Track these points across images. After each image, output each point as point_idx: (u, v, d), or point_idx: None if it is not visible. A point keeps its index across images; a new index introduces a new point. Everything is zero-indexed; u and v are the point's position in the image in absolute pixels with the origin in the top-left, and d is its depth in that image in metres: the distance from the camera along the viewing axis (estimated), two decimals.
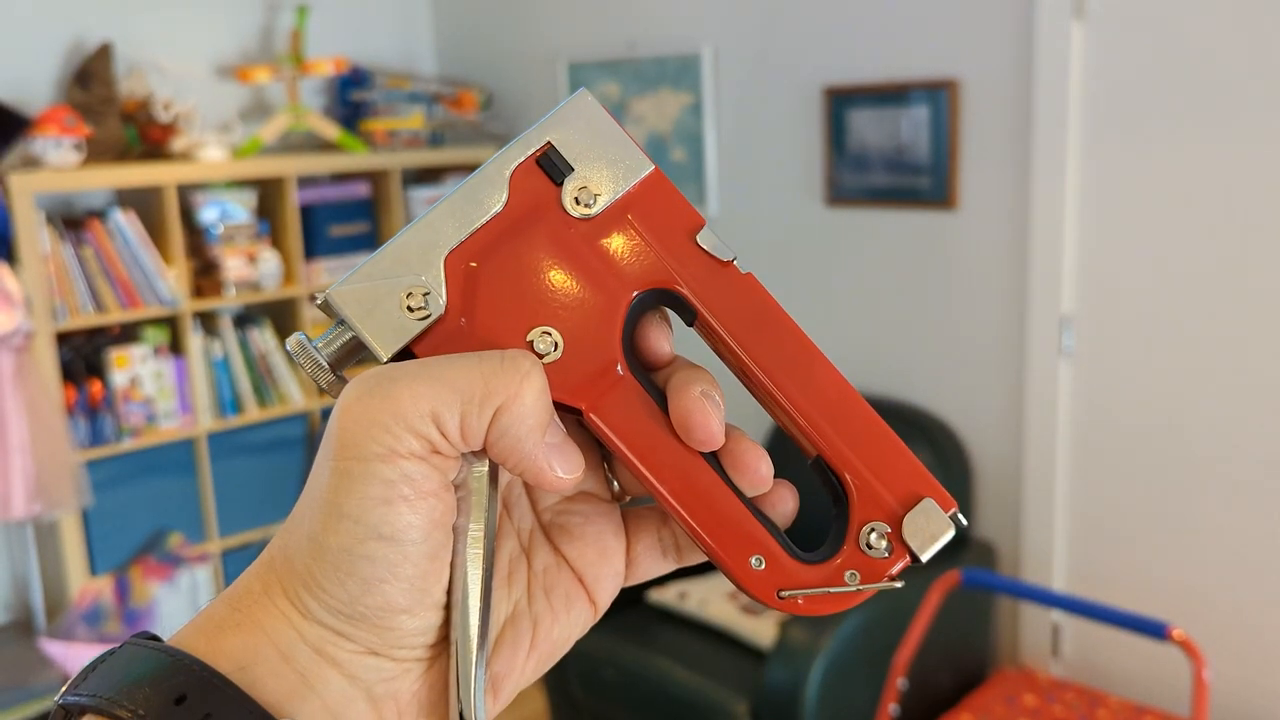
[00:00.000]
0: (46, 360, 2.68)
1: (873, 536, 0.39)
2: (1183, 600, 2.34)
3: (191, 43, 3.18)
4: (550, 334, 0.38)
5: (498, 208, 0.38)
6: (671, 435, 0.38)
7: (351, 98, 3.42)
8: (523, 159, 0.39)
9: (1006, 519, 2.63)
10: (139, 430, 2.91)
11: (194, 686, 0.33)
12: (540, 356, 0.38)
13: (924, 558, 0.39)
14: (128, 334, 2.94)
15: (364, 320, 0.37)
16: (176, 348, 2.98)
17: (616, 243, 0.39)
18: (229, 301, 3.04)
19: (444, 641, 0.37)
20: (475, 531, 0.37)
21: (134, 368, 2.89)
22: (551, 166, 0.39)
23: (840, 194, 2.79)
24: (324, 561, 0.34)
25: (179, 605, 3.13)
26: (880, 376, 2.78)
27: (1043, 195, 2.42)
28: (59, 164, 2.70)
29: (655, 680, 2.42)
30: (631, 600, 2.66)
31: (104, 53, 2.89)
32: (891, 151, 2.68)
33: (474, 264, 0.38)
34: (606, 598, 0.41)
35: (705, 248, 0.39)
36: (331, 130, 3.23)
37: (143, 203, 2.94)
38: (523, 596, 0.40)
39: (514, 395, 0.35)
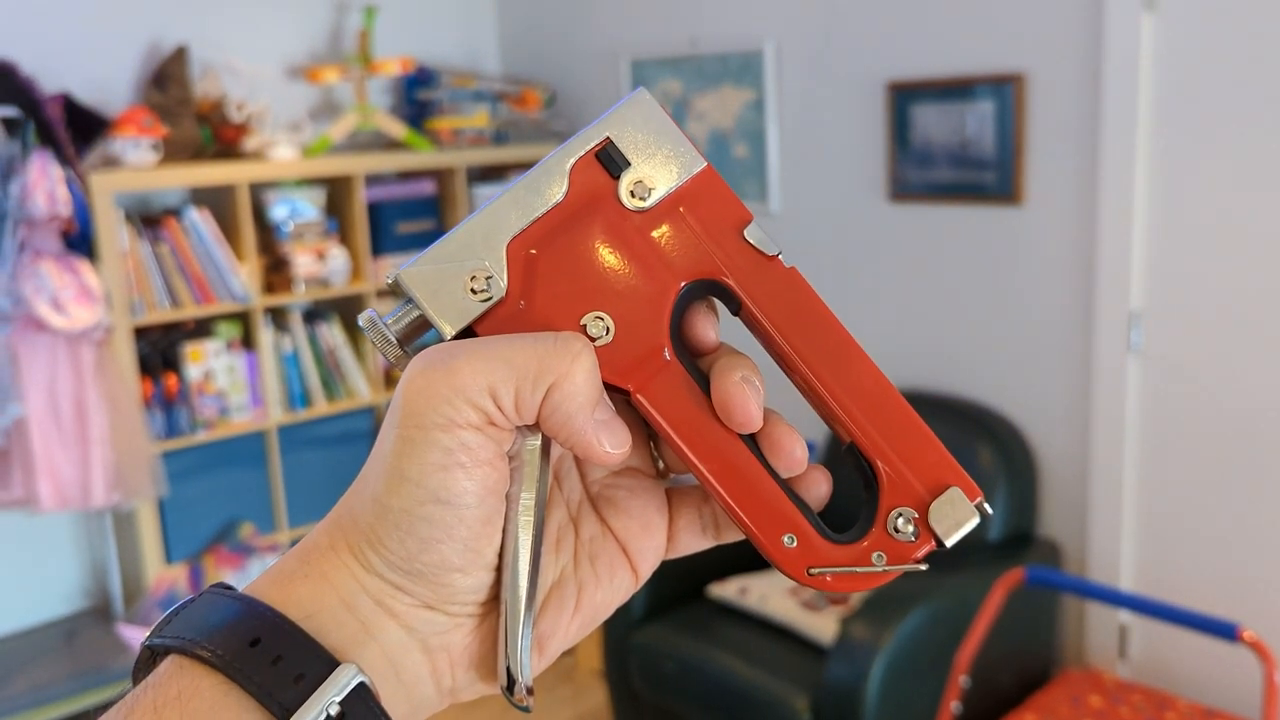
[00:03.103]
0: (125, 354, 2.76)
1: (900, 521, 0.41)
2: (1254, 601, 2.29)
3: (263, 45, 3.25)
4: (603, 319, 0.40)
5: (558, 198, 0.40)
6: (713, 418, 0.40)
7: (418, 97, 3.47)
8: (583, 153, 0.41)
9: (1073, 518, 2.60)
10: (212, 423, 2.98)
11: (267, 631, 0.36)
12: (592, 339, 0.40)
13: (948, 543, 0.41)
14: (202, 329, 3.02)
15: (430, 300, 0.40)
16: (248, 342, 3.05)
17: (668, 235, 0.41)
18: (299, 297, 3.11)
19: (495, 600, 0.39)
20: (527, 500, 0.39)
21: (207, 362, 2.96)
22: (610, 161, 0.41)
23: (904, 190, 2.77)
24: (386, 521, 0.37)
25: None
26: (945, 373, 2.76)
27: (1111, 190, 2.39)
28: (137, 164, 2.78)
29: (716, 675, 2.43)
30: (692, 595, 2.67)
31: (180, 55, 2.96)
32: (956, 146, 2.66)
33: (534, 251, 0.40)
34: (648, 568, 0.44)
35: (752, 242, 0.41)
36: (398, 129, 3.28)
37: (216, 201, 3.02)
38: (569, 562, 0.43)
39: (565, 374, 0.38)
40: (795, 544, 0.41)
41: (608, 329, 0.40)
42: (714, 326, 0.42)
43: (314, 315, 3.24)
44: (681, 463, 0.41)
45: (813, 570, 0.41)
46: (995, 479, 2.54)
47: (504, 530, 0.39)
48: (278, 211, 3.08)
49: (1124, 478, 2.48)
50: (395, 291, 0.41)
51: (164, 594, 2.92)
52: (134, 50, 3.02)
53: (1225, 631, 1.83)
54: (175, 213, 2.94)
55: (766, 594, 2.54)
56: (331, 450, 3.26)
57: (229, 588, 0.38)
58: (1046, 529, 2.65)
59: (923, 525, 0.41)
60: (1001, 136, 2.56)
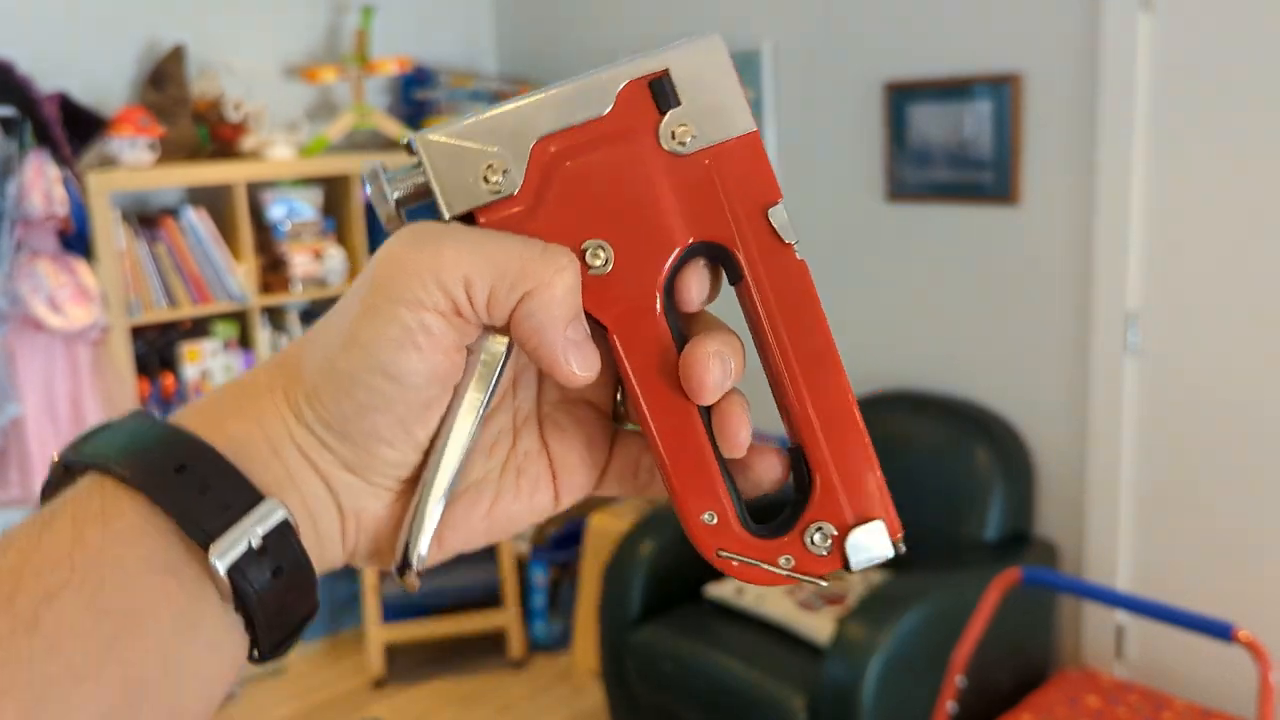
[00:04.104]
0: (122, 353, 2.76)
1: (817, 535, 0.41)
2: (1251, 601, 2.29)
3: (260, 44, 3.25)
4: (604, 249, 0.39)
5: (599, 114, 0.39)
6: (675, 380, 0.40)
7: (415, 96, 3.47)
8: (637, 76, 0.39)
9: (1070, 518, 2.60)
10: None
11: (194, 459, 0.35)
12: (588, 266, 0.39)
13: (854, 569, 0.41)
14: (199, 328, 3.02)
15: (441, 175, 0.39)
16: (245, 342, 3.05)
17: (694, 187, 0.40)
18: (296, 297, 3.11)
19: (415, 481, 0.39)
20: (474, 398, 0.39)
21: (204, 361, 2.96)
22: (661, 93, 0.39)
23: (901, 189, 2.77)
24: (329, 380, 0.37)
25: None
26: (942, 373, 2.76)
27: (1107, 190, 2.39)
28: (134, 163, 2.77)
29: (713, 675, 2.43)
30: (689, 595, 2.67)
31: (176, 55, 2.96)
32: (954, 146, 2.66)
33: (557, 159, 0.39)
34: (569, 498, 0.43)
35: (773, 223, 0.41)
36: (396, 129, 3.28)
37: (213, 200, 3.02)
38: (496, 468, 0.42)
39: (544, 284, 0.37)
40: (714, 522, 0.40)
41: (606, 261, 0.39)
42: (704, 289, 0.41)
43: (311, 315, 3.24)
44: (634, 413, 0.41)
45: (722, 553, 0.40)
46: (992, 479, 2.54)
47: (442, 419, 0.38)
48: (275, 211, 3.08)
49: (1121, 478, 2.48)
50: (409, 153, 0.39)
51: None
52: (131, 50, 3.02)
53: (1220, 631, 1.83)
54: (172, 212, 2.94)
55: (763, 594, 2.54)
56: None
57: (151, 415, 0.38)
58: (1043, 529, 2.65)
59: (837, 545, 0.41)
60: (998, 136, 2.56)
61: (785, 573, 0.41)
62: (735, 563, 0.41)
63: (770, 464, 0.42)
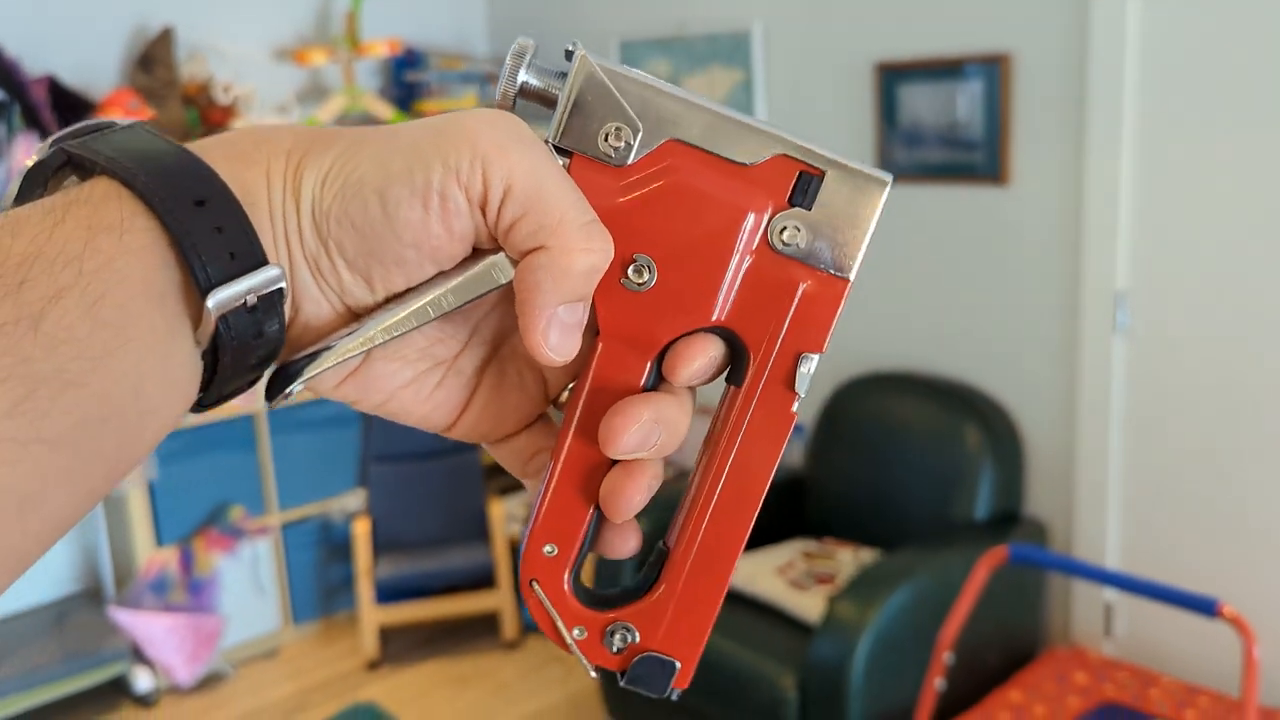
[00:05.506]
0: None
1: (619, 635, 0.41)
2: (1237, 579, 2.30)
3: (250, 26, 3.24)
4: (649, 271, 0.38)
5: (740, 160, 0.38)
6: None
7: (406, 79, 3.46)
8: (796, 158, 0.38)
9: (1059, 497, 2.61)
10: None
11: (214, 197, 0.34)
12: (622, 274, 0.38)
13: (622, 683, 0.41)
14: None
15: (574, 104, 0.38)
16: None
17: (763, 285, 0.39)
18: None
19: (355, 317, 0.38)
20: (443, 294, 0.37)
21: None
22: (803, 188, 0.38)
23: (891, 169, 2.76)
24: (343, 175, 0.36)
25: (241, 576, 3.21)
26: (931, 354, 2.77)
27: (1097, 170, 2.39)
28: None
29: (704, 654, 2.44)
30: None
31: (166, 37, 2.95)
32: (944, 127, 2.65)
33: (674, 168, 0.38)
34: (462, 434, 0.43)
35: (798, 367, 0.39)
36: (386, 111, 3.27)
37: None
38: (428, 362, 0.41)
39: (564, 250, 0.36)
40: (551, 556, 0.40)
41: (642, 284, 0.38)
42: (705, 366, 0.39)
43: None
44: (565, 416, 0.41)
45: (535, 584, 0.40)
46: (982, 459, 2.55)
47: (410, 289, 0.37)
48: None
49: (1110, 457, 2.48)
50: (567, 58, 0.38)
51: (154, 576, 2.92)
52: (119, 32, 3.01)
53: (1205, 607, 1.83)
54: None
55: (754, 574, 2.55)
56: (321, 433, 3.26)
57: (157, 132, 0.36)
58: (1033, 508, 2.66)
59: (628, 655, 0.41)
60: (988, 117, 2.56)
61: (570, 639, 0.41)
62: (539, 600, 0.41)
63: (628, 541, 0.42)
